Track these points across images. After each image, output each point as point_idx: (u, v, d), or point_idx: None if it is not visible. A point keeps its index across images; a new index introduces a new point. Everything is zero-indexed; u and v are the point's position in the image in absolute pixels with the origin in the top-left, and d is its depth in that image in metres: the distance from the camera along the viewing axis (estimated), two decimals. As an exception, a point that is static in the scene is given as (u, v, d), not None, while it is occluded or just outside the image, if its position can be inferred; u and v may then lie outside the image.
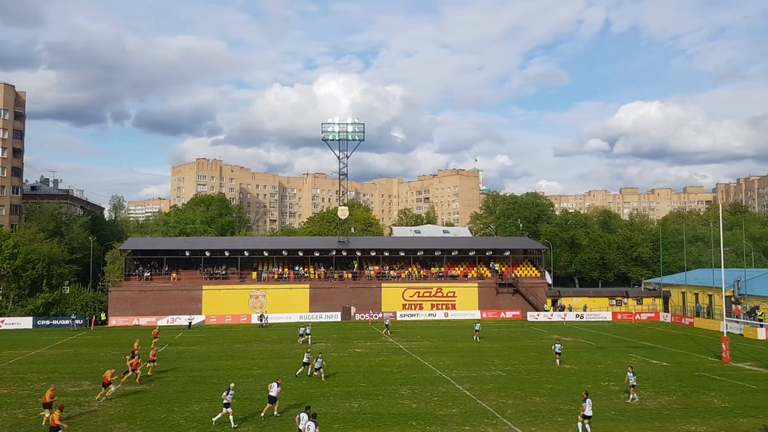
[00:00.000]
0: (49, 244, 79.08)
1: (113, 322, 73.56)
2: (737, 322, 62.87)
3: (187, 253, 79.45)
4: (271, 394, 29.54)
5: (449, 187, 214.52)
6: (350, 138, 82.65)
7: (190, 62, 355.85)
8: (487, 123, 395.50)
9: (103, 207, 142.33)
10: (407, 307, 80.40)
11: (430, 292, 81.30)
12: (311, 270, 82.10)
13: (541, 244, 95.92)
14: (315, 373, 38.59)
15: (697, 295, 78.93)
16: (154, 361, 41.40)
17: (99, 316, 73.88)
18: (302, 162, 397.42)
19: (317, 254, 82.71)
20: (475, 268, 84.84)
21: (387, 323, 64.38)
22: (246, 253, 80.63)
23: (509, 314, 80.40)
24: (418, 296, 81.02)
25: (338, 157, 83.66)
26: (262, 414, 29.18)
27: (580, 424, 22.82)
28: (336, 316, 77.73)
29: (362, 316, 77.21)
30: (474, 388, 35.59)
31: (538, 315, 78.84)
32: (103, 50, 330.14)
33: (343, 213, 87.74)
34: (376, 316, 76.84)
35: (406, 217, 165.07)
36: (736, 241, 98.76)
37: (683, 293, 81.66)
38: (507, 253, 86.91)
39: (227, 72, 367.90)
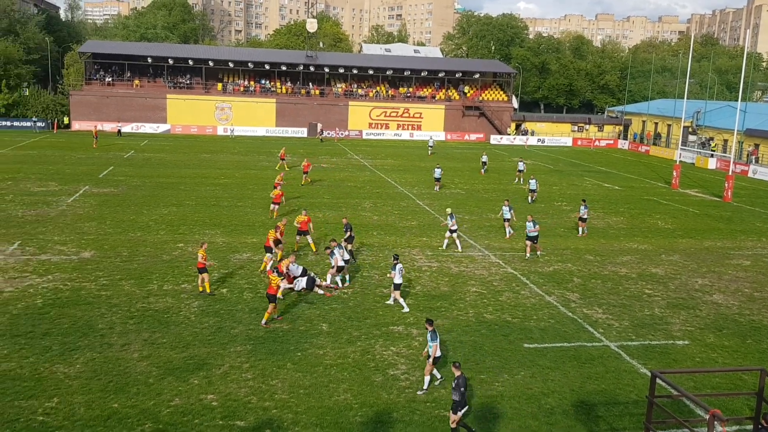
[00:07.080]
0: (2, 42, 75.39)
1: (76, 126, 72.61)
2: (690, 151, 65.17)
3: (150, 60, 76.96)
4: None
5: (423, 4, 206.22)
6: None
7: None
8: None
9: (57, 6, 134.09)
10: (373, 126, 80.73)
11: (397, 112, 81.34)
12: (278, 84, 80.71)
13: (511, 68, 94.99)
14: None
15: (656, 124, 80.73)
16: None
17: (62, 119, 72.88)
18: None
19: (284, 68, 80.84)
20: (444, 91, 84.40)
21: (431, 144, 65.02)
22: (211, 63, 78.33)
23: (473, 137, 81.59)
24: (385, 116, 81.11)
25: (308, -36, 79.05)
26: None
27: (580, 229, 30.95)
28: (302, 132, 77.93)
29: (328, 133, 77.49)
30: (433, 204, 37.12)
31: (501, 138, 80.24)
32: None
33: (311, 26, 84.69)
34: (342, 134, 77.32)
35: (377, 34, 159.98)
36: (702, 73, 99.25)
37: (644, 122, 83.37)
38: (477, 76, 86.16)
39: None
